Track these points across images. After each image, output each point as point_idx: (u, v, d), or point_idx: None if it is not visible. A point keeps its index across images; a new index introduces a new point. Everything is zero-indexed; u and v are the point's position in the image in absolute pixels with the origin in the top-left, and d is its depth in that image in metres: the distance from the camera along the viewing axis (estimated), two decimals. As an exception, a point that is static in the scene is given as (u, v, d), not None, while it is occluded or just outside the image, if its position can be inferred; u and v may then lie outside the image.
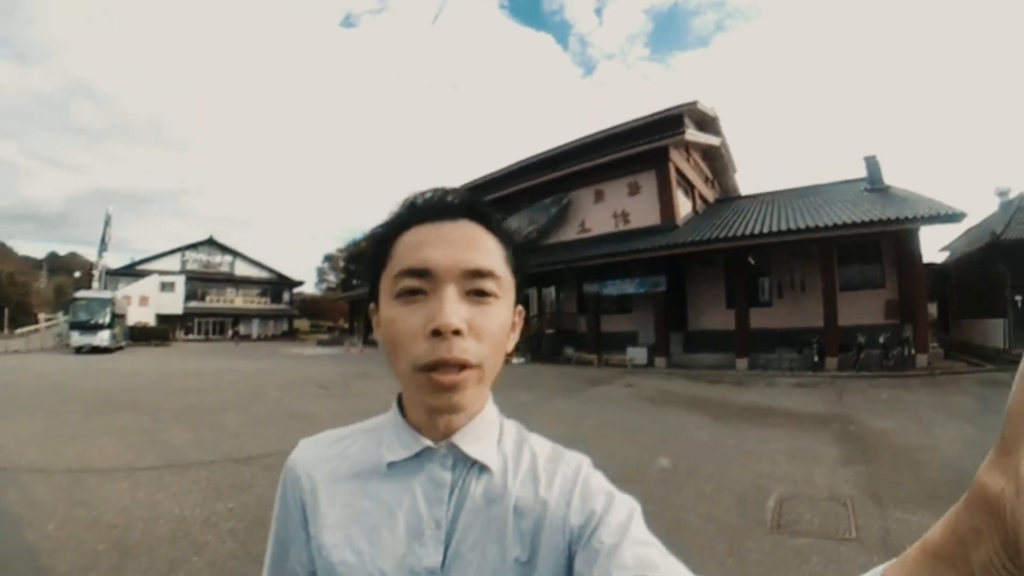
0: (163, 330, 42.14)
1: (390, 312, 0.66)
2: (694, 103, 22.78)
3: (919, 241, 15.83)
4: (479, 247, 0.67)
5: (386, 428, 0.74)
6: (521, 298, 0.75)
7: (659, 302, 19.74)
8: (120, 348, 31.96)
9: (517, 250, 0.73)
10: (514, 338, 0.73)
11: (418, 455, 0.69)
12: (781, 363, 16.93)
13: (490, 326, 0.65)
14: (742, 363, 17.37)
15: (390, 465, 0.70)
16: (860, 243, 16.82)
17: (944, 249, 25.12)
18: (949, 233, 24.97)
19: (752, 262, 18.36)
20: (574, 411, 10.17)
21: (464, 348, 0.62)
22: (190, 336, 49.88)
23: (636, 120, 23.66)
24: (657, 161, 21.95)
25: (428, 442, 0.69)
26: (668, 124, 22.28)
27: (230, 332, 52.05)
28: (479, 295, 0.65)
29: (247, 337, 51.58)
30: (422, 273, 0.64)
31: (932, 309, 16.18)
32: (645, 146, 21.86)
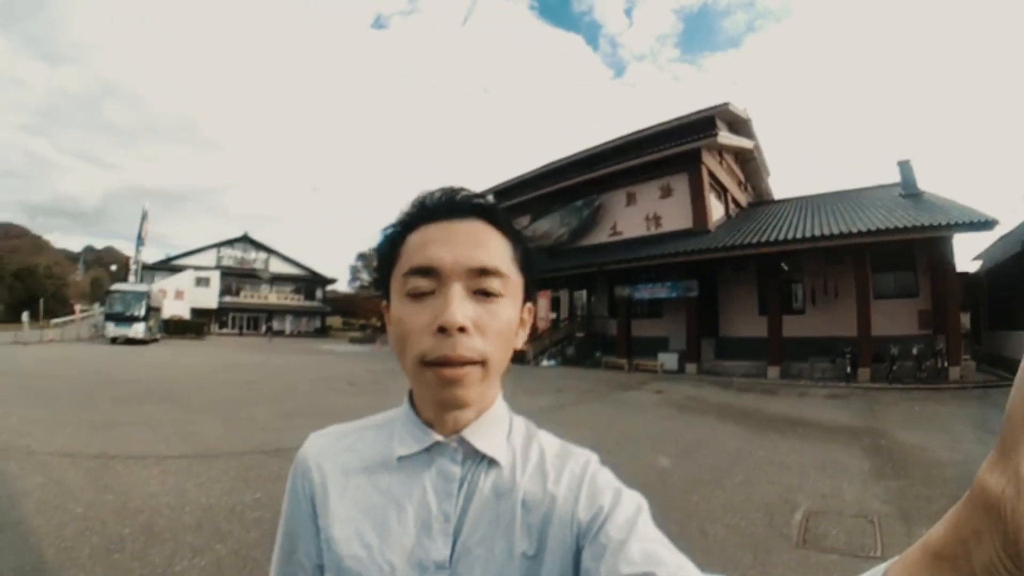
0: (198, 324, 42.93)
1: (399, 309, 0.68)
2: (726, 105, 22.56)
3: (953, 249, 15.59)
4: (486, 246, 0.68)
5: (397, 423, 0.75)
6: (533, 296, 0.76)
7: (691, 307, 19.59)
8: (155, 340, 32.68)
9: (526, 249, 0.74)
10: (523, 335, 0.74)
11: (428, 449, 0.70)
12: (813, 373, 16.68)
13: (495, 324, 0.66)
14: (773, 372, 17.15)
15: (400, 459, 0.71)
16: (894, 250, 16.46)
17: (977, 258, 24.50)
18: (981, 241, 24.40)
19: (785, 268, 18.10)
20: (602, 416, 10.12)
21: (469, 345, 0.63)
22: (224, 331, 50.81)
23: (668, 122, 23.57)
24: (689, 164, 21.79)
25: (438, 436, 0.70)
26: (700, 126, 22.13)
27: (264, 327, 52.82)
28: (485, 294, 0.66)
29: (280, 333, 52.30)
30: (429, 272, 0.66)
31: (964, 320, 15.85)
32: (677, 148, 21.74)
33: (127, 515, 4.34)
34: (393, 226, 0.73)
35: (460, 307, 0.63)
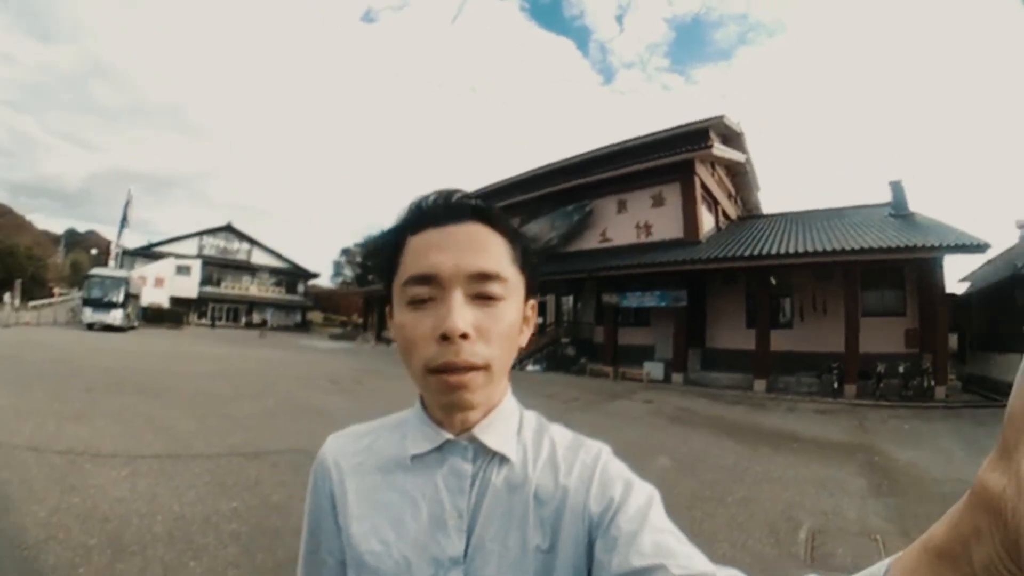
0: (177, 313, 42.00)
1: (402, 318, 0.67)
2: (720, 117, 22.48)
3: (943, 270, 15.68)
4: (485, 249, 0.68)
5: (409, 423, 0.76)
6: (535, 292, 0.76)
7: (679, 317, 19.52)
8: (133, 328, 32.06)
9: (525, 247, 0.74)
10: (527, 332, 0.74)
11: (440, 448, 0.71)
12: (800, 387, 16.68)
13: (497, 328, 0.66)
14: (760, 385, 17.07)
15: (413, 458, 0.71)
16: (883, 269, 16.66)
17: (964, 280, 24.67)
18: (969, 263, 24.66)
19: (774, 282, 18.03)
20: (594, 428, 9.76)
21: (472, 352, 0.63)
22: (203, 321, 49.80)
23: (662, 132, 23.49)
24: (683, 174, 21.73)
25: (449, 435, 0.70)
26: (694, 137, 22.05)
27: (244, 320, 52.09)
28: (486, 298, 0.66)
29: (262, 325, 51.15)
30: (429, 279, 0.66)
31: (951, 340, 15.96)
32: (671, 158, 21.65)
33: (94, 523, 4.00)
34: (391, 232, 0.73)
35: (461, 314, 0.63)
